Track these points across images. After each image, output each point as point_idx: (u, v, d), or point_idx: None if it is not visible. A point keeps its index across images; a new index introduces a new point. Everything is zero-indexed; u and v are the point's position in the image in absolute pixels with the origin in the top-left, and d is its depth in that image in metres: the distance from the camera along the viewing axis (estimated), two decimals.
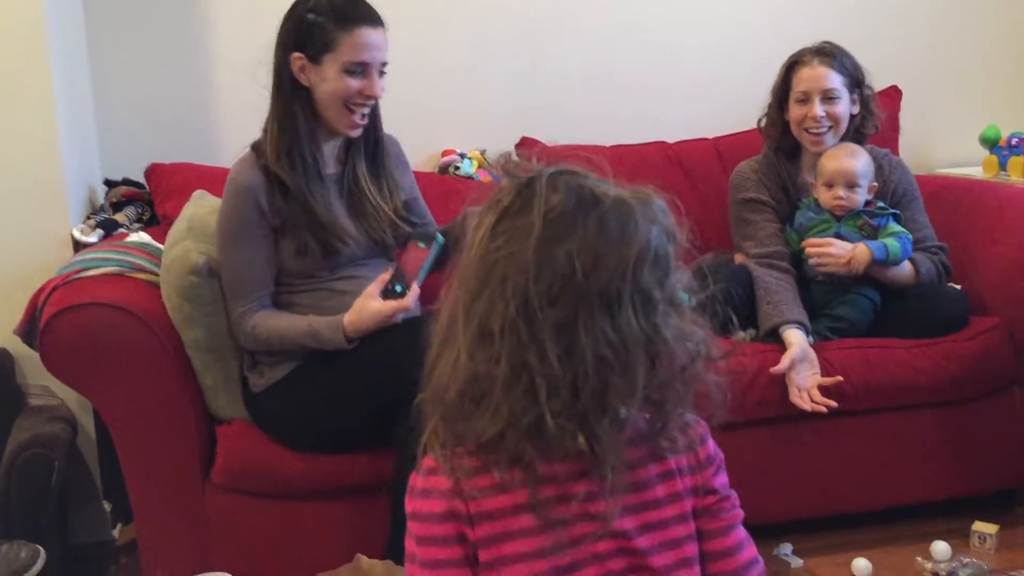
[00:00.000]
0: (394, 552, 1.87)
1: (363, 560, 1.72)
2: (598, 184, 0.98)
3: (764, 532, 2.26)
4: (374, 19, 1.99)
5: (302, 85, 1.99)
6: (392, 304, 1.88)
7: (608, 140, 2.93)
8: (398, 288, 1.90)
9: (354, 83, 1.97)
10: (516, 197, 0.97)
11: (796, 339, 2.25)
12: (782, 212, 2.53)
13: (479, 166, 2.88)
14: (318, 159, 2.04)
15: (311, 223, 1.99)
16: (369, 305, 1.89)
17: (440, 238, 1.94)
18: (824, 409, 2.18)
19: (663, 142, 2.98)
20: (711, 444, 1.10)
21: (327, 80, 1.97)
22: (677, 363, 0.98)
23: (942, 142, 3.31)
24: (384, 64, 2.02)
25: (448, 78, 2.96)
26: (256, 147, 2.04)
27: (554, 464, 0.97)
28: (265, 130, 2.04)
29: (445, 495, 0.98)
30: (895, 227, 2.40)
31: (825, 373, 2.24)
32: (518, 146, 2.89)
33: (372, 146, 2.11)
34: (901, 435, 2.34)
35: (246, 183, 1.98)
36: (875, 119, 2.52)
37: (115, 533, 2.37)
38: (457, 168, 2.84)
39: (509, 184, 0.98)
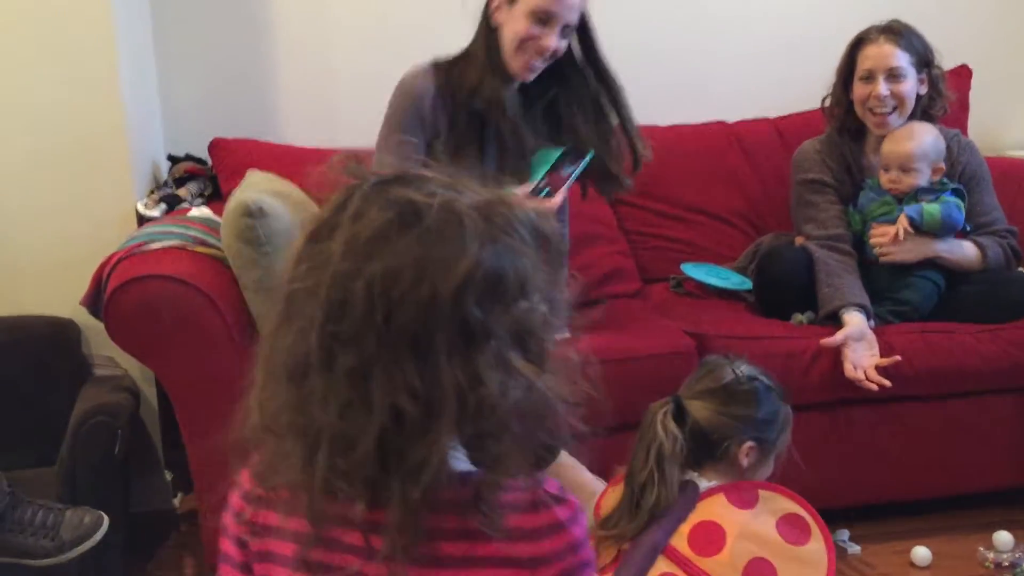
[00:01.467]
0: None
1: None
2: (433, 194, 0.80)
3: (822, 517, 2.25)
4: None
5: (494, 25, 2.11)
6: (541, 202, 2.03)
7: (665, 120, 2.90)
8: (543, 192, 2.07)
9: (534, 29, 2.06)
10: (330, 215, 0.82)
11: (855, 320, 2.22)
12: (845, 193, 2.48)
13: None
14: (502, 94, 2.12)
15: (450, 147, 2.12)
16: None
17: (592, 153, 2.13)
18: (875, 387, 2.14)
19: (722, 122, 2.94)
20: (575, 535, 0.84)
21: (513, 20, 2.07)
22: (507, 417, 0.79)
23: (1013, 123, 3.22)
24: (567, 25, 2.09)
25: None
26: (436, 65, 2.16)
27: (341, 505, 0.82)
28: (455, 57, 2.17)
29: (241, 494, 0.91)
30: (946, 197, 2.34)
31: (886, 355, 2.20)
32: None
33: (547, 103, 2.20)
34: (964, 422, 2.29)
35: (416, 90, 2.13)
36: (944, 100, 2.45)
37: (176, 503, 2.42)
38: None
39: (335, 196, 0.83)
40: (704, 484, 1.56)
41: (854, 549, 2.20)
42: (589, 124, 2.19)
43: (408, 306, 0.77)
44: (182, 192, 2.57)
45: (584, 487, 1.78)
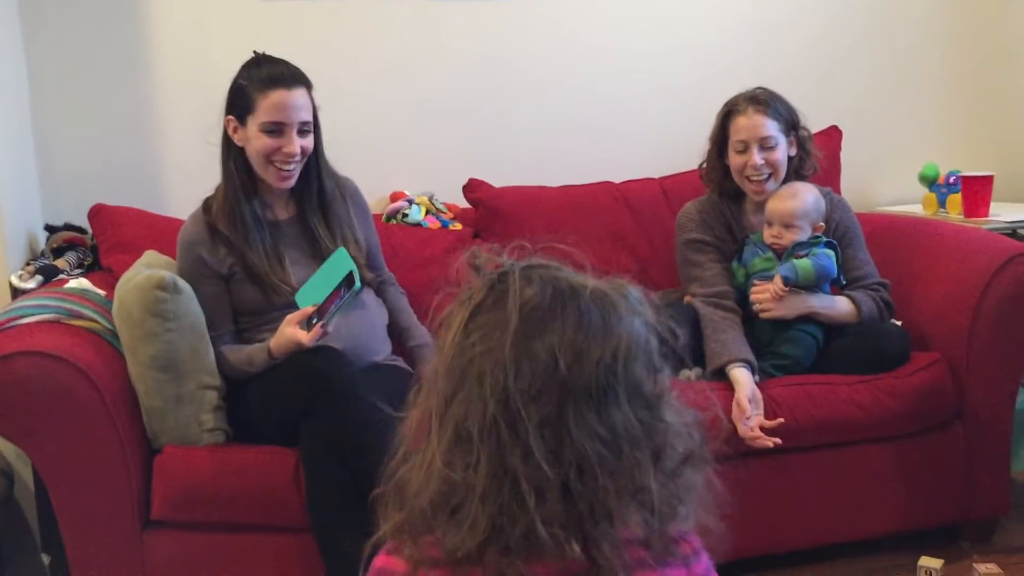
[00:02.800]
0: None
1: None
2: (573, 276, 0.93)
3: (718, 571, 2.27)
4: (293, 81, 2.14)
5: (237, 145, 2.17)
6: (300, 334, 2.03)
7: (555, 181, 2.95)
8: (314, 320, 2.06)
9: (272, 142, 2.13)
10: (488, 292, 0.91)
11: (743, 378, 2.27)
12: (727, 251, 2.56)
13: (427, 212, 2.88)
14: (261, 211, 2.21)
15: (250, 272, 2.16)
16: (286, 330, 2.07)
17: (358, 285, 2.16)
18: (770, 444, 2.19)
19: (610, 182, 3.01)
20: (705, 561, 1.00)
21: (251, 139, 2.15)
22: (675, 460, 0.92)
23: (883, 180, 3.38)
24: (305, 123, 2.16)
25: (394, 120, 2.97)
26: (205, 203, 2.23)
27: (535, 567, 0.87)
28: (216, 187, 2.23)
29: None
30: (816, 250, 2.43)
31: (770, 409, 2.25)
32: (465, 188, 2.90)
33: (319, 193, 2.26)
34: (846, 471, 2.36)
35: (189, 238, 2.20)
36: (813, 159, 2.57)
37: None
38: (405, 215, 2.84)
39: (479, 280, 0.93)
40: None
41: None
42: (325, 226, 2.27)
43: (585, 364, 0.87)
44: (60, 263, 2.50)
45: None
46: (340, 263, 2.14)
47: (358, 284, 2.16)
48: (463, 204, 2.95)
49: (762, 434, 2.20)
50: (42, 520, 2.32)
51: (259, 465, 2.03)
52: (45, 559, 2.32)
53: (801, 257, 2.43)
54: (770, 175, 2.48)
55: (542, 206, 2.89)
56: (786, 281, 2.38)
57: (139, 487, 2.00)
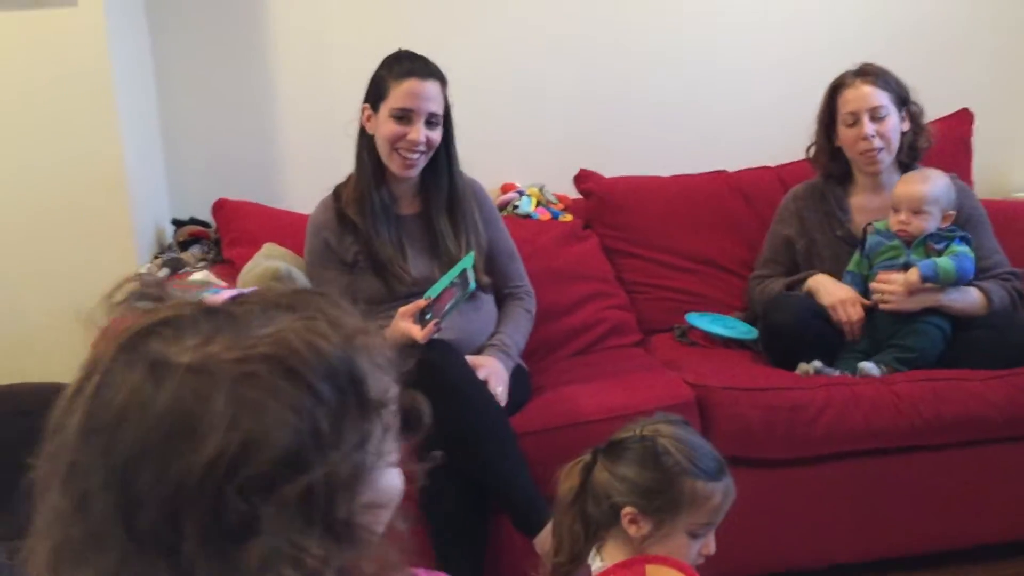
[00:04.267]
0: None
1: None
2: (188, 347, 0.65)
3: (830, 574, 2.20)
4: (427, 73, 2.18)
5: (369, 134, 2.21)
6: (414, 330, 2.02)
7: (668, 170, 2.90)
8: (427, 316, 2.05)
9: (399, 128, 2.16)
10: (75, 385, 0.68)
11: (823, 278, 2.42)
12: (822, 238, 2.51)
13: (538, 203, 2.87)
14: (387, 202, 2.24)
15: (373, 261, 2.19)
16: (399, 324, 2.06)
17: (473, 285, 2.13)
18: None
19: (724, 171, 2.94)
20: None
21: (380, 125, 2.18)
22: None
23: (1017, 165, 3.20)
24: (433, 115, 2.17)
25: (503, 110, 2.98)
26: (336, 189, 2.28)
27: None
28: (348, 175, 2.27)
29: None
30: (957, 247, 2.32)
31: (894, 406, 2.17)
32: (576, 179, 2.89)
33: (447, 190, 2.27)
34: (976, 471, 2.24)
35: (317, 222, 2.26)
36: (927, 134, 2.49)
37: None
38: (516, 207, 2.84)
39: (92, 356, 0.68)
40: (597, 564, 1.43)
41: None
42: (450, 226, 2.27)
43: (153, 502, 0.62)
44: (186, 256, 2.60)
45: None
46: (462, 263, 2.15)
47: (472, 284, 2.16)
48: (574, 195, 2.93)
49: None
50: None
51: None
52: None
53: (936, 250, 2.32)
54: (883, 148, 2.40)
55: (654, 196, 2.84)
56: (924, 280, 2.28)
57: None
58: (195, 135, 2.85)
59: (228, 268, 2.56)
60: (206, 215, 2.74)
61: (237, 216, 2.67)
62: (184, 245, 2.67)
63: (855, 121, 2.41)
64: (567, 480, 1.46)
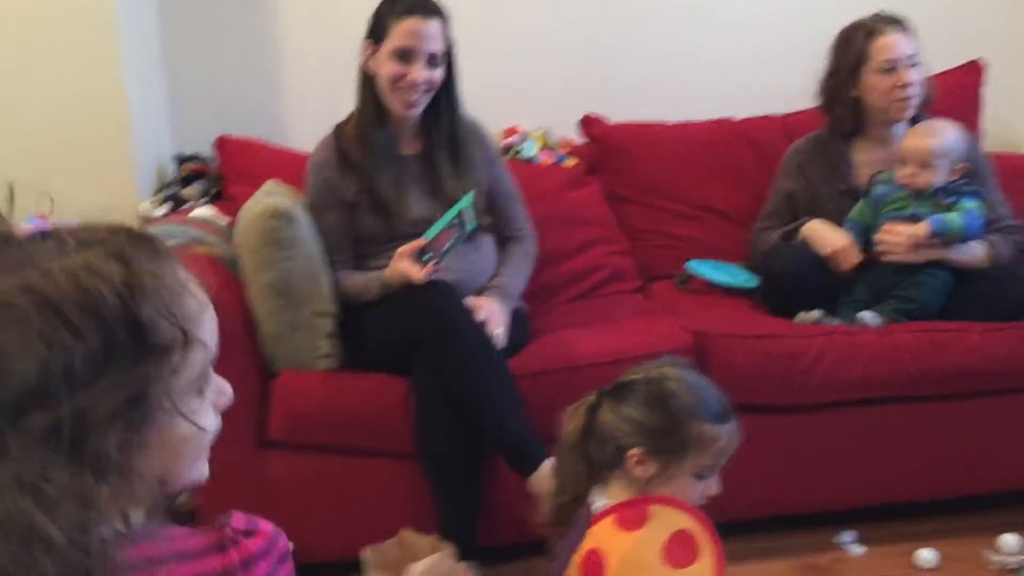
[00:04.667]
0: (445, 527, 1.92)
1: (408, 535, 1.73)
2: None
3: (825, 520, 2.22)
4: (429, 11, 2.15)
5: (371, 75, 2.18)
6: (412, 271, 2.05)
7: (674, 115, 2.88)
8: (425, 257, 2.07)
9: (399, 68, 2.13)
10: None
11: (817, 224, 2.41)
12: (823, 194, 2.50)
13: (542, 147, 2.85)
14: (388, 141, 2.22)
15: (374, 199, 2.18)
16: (398, 265, 2.09)
17: (473, 224, 2.16)
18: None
19: (730, 119, 2.91)
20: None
21: (381, 64, 2.15)
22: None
23: None
24: (434, 55, 2.15)
25: (507, 53, 2.94)
26: (337, 127, 2.25)
27: None
28: (350, 113, 2.25)
29: None
30: (967, 203, 2.30)
31: (893, 357, 2.18)
32: (581, 124, 2.86)
33: (449, 130, 2.25)
34: (970, 422, 2.25)
35: (317, 160, 2.24)
36: (932, 87, 2.49)
37: (178, 501, 2.41)
38: (518, 152, 2.82)
39: None
40: (599, 503, 1.44)
41: (858, 551, 2.17)
42: (451, 165, 2.25)
43: None
44: (188, 192, 2.58)
45: None
46: (461, 203, 2.15)
47: (473, 224, 2.16)
48: (579, 140, 2.91)
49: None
50: None
51: (371, 392, 2.07)
52: None
53: (945, 205, 2.31)
54: (917, 95, 2.41)
55: (659, 143, 2.82)
56: (934, 236, 2.27)
57: (257, 409, 2.07)
58: (198, 71, 2.82)
59: (230, 205, 2.55)
60: (208, 152, 2.72)
61: (239, 153, 2.65)
62: (186, 181, 2.65)
63: (891, 68, 2.39)
64: (571, 421, 1.47)
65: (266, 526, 0.82)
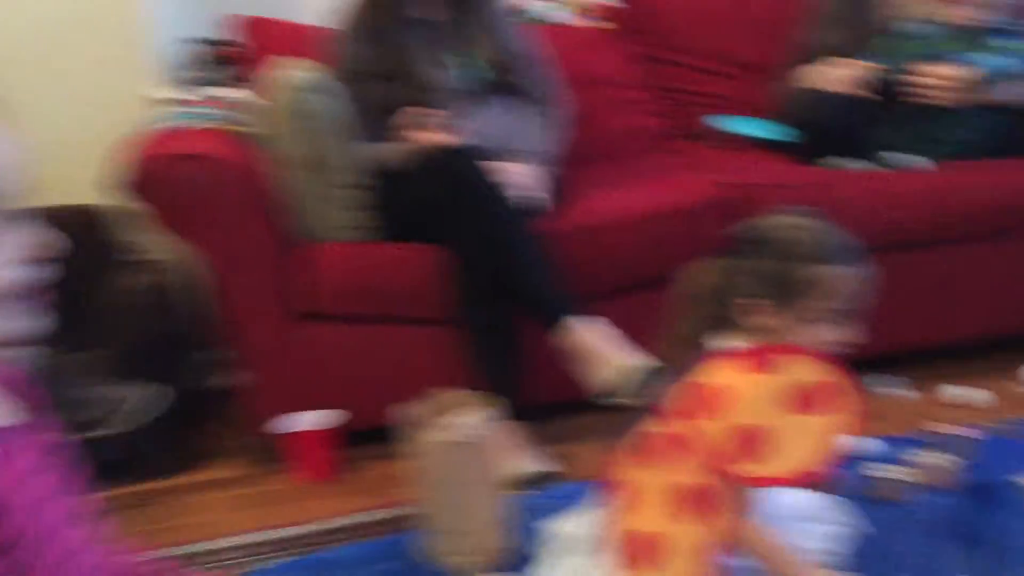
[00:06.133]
0: (490, 385, 1.96)
1: (443, 395, 1.75)
2: None
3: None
4: None
5: None
6: (438, 135, 2.11)
7: None
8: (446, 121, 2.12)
9: None
10: None
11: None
12: (852, 37, 2.42)
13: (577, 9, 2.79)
14: (408, 5, 2.22)
15: (402, 70, 2.23)
16: (420, 130, 2.13)
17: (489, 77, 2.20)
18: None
19: None
20: None
21: None
22: None
23: None
24: None
25: None
26: None
27: None
28: None
29: None
30: (1020, 43, 2.24)
31: (942, 202, 2.18)
32: None
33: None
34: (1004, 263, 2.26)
35: (343, 31, 2.26)
36: None
37: (220, 379, 2.39)
38: (534, 16, 2.77)
39: None
40: (720, 345, 1.38)
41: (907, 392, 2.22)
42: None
43: None
44: (218, 74, 2.59)
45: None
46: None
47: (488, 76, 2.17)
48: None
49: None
50: (204, 318, 2.44)
51: (404, 261, 2.08)
52: (212, 354, 2.41)
53: (992, 46, 2.25)
54: None
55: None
56: (986, 80, 2.20)
57: (292, 281, 2.09)
58: None
59: (258, 84, 2.54)
60: (224, 34, 2.69)
61: (265, 33, 2.63)
62: (204, 64, 2.65)
63: None
64: (690, 276, 1.43)
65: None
